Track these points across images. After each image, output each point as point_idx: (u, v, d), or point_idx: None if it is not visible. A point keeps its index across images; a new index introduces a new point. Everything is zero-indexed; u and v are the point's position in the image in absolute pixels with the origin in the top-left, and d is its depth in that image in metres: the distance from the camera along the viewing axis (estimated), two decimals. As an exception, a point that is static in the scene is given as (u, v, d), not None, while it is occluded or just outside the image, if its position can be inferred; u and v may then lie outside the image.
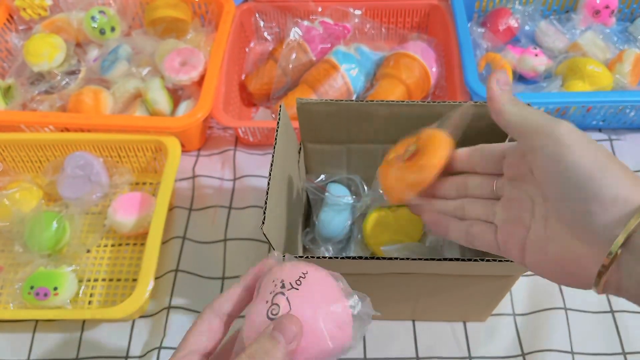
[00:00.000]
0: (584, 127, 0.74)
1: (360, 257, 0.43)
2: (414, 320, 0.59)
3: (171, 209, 0.69)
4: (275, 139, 0.46)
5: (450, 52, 0.77)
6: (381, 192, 0.50)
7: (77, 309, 0.61)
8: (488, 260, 0.42)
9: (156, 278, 0.62)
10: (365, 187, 0.60)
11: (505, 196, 0.36)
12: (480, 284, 0.50)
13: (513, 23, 0.81)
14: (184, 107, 0.73)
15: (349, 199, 0.59)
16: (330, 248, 0.61)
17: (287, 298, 0.30)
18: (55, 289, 0.59)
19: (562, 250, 0.31)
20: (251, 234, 0.66)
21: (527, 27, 0.83)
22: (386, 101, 0.50)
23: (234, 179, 0.72)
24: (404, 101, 0.50)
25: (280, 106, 0.48)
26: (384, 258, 0.44)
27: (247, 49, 0.87)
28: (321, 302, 0.30)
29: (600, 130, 0.74)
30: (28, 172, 0.73)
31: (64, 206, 0.66)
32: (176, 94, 0.77)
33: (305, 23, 0.80)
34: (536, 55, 0.78)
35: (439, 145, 0.40)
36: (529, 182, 0.34)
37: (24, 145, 0.69)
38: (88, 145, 0.69)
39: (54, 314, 0.59)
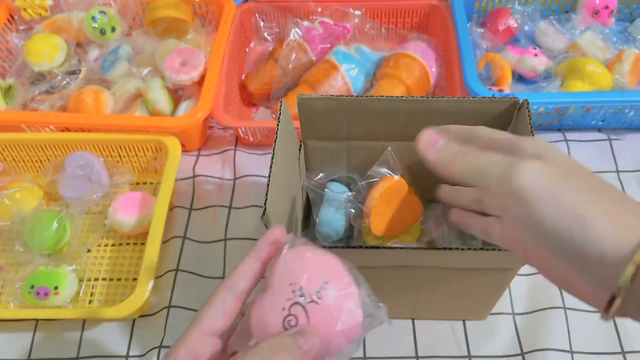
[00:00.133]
0: (584, 127, 0.74)
1: (363, 247, 0.43)
2: (413, 320, 0.60)
3: (171, 208, 0.69)
4: (276, 133, 0.46)
5: (450, 52, 0.77)
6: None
7: (77, 309, 0.61)
8: (487, 250, 0.43)
9: (156, 277, 0.62)
10: (364, 183, 0.60)
11: None
12: (480, 276, 0.50)
13: (512, 23, 0.82)
14: (184, 107, 0.73)
15: (347, 194, 0.59)
16: (330, 247, 0.61)
17: (306, 313, 0.30)
18: (56, 288, 0.59)
19: (564, 277, 0.28)
20: (251, 233, 0.66)
21: (526, 27, 0.84)
22: (386, 96, 0.50)
23: (234, 179, 0.72)
24: (403, 96, 0.50)
25: (281, 101, 0.49)
26: (387, 247, 0.44)
27: (247, 49, 0.87)
28: (338, 322, 0.30)
29: (599, 130, 0.75)
30: (29, 172, 0.73)
31: (64, 206, 0.66)
32: (176, 94, 0.77)
33: (305, 23, 0.80)
34: (536, 55, 0.78)
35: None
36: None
37: (25, 145, 0.69)
38: (88, 145, 0.69)
39: (55, 314, 0.59)
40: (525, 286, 0.61)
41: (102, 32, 0.79)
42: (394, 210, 0.53)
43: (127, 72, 0.77)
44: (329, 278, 0.31)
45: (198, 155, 0.75)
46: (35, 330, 0.60)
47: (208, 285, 0.63)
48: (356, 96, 0.51)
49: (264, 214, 0.40)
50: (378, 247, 0.44)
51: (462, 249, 0.43)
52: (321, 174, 0.61)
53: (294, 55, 0.78)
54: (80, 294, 0.63)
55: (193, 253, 0.65)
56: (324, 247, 0.40)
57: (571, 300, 0.59)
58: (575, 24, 0.82)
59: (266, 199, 0.41)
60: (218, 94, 0.72)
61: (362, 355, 0.57)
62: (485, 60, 0.79)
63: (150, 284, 0.57)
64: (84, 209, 0.68)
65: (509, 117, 0.51)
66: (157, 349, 0.57)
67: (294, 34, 0.78)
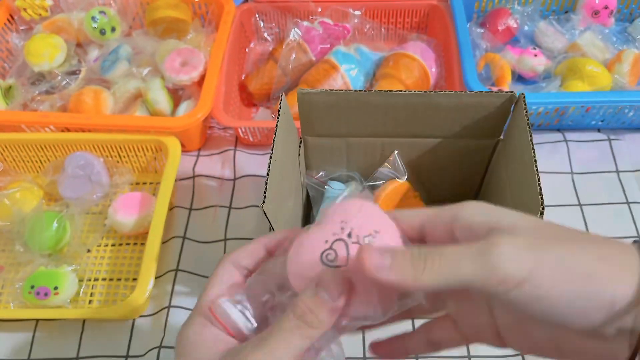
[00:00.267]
0: (583, 127, 0.74)
1: None
2: (413, 320, 0.59)
3: (171, 208, 0.69)
4: (276, 126, 0.46)
5: (449, 53, 0.77)
6: None
7: (77, 309, 0.61)
8: None
9: (156, 277, 0.62)
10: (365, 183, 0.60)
11: None
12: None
13: (512, 23, 0.82)
14: (184, 107, 0.73)
15: (349, 189, 0.59)
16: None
17: (347, 253, 0.28)
18: (56, 288, 0.59)
19: (557, 339, 0.27)
20: (251, 233, 0.66)
21: (526, 28, 0.84)
22: (385, 91, 0.51)
23: (234, 179, 0.72)
24: (402, 91, 0.51)
25: (281, 96, 0.49)
26: None
27: (247, 49, 0.88)
28: None
29: (599, 130, 0.75)
30: (29, 172, 0.73)
31: (64, 206, 0.66)
32: (176, 94, 0.77)
33: (305, 23, 0.80)
34: (535, 55, 0.78)
35: None
36: None
37: (25, 145, 0.69)
38: (88, 145, 0.69)
39: (55, 314, 0.59)
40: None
41: (102, 32, 0.79)
42: None
43: (127, 72, 0.77)
44: (381, 230, 0.29)
45: (198, 155, 0.75)
46: (35, 330, 0.60)
47: (208, 285, 0.62)
48: (356, 90, 0.51)
49: (263, 202, 0.40)
50: None
51: None
52: (322, 172, 0.61)
53: (293, 56, 0.78)
54: (80, 294, 0.63)
55: (193, 253, 0.65)
56: None
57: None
58: (575, 24, 0.82)
59: (266, 187, 0.41)
60: (218, 94, 0.72)
61: (361, 356, 0.57)
62: (485, 61, 0.79)
63: (150, 284, 0.57)
64: (84, 209, 0.68)
65: (506, 111, 0.51)
66: (157, 349, 0.57)
67: (294, 34, 0.78)
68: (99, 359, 0.58)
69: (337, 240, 0.29)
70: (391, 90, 0.51)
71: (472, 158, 0.58)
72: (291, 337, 0.27)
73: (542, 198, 0.41)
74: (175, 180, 0.67)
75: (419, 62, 0.75)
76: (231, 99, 0.77)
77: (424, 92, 0.50)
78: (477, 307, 0.31)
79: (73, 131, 0.71)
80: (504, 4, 0.84)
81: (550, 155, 0.72)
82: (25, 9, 0.83)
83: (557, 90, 0.74)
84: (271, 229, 0.42)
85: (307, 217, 0.63)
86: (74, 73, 0.77)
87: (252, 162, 0.73)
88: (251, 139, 0.74)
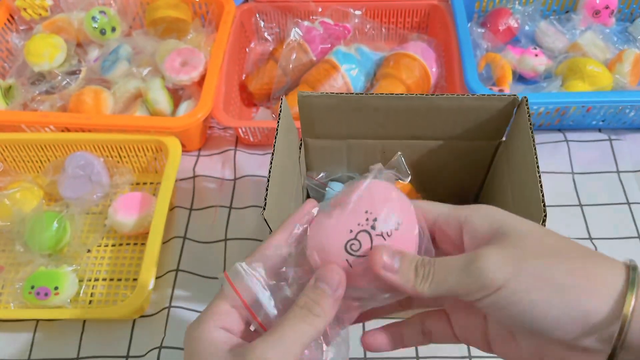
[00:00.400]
0: (584, 127, 0.74)
1: None
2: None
3: (172, 208, 0.69)
4: (277, 129, 0.46)
5: (450, 52, 0.77)
6: None
7: (77, 309, 0.61)
8: None
9: (157, 278, 0.62)
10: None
11: None
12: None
13: (513, 23, 0.82)
14: (184, 107, 0.73)
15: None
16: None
17: (372, 244, 0.30)
18: (56, 288, 0.59)
19: (541, 350, 0.29)
20: (252, 233, 0.66)
21: (527, 27, 0.83)
22: (386, 94, 0.50)
23: (234, 179, 0.72)
24: (403, 94, 0.50)
25: (282, 98, 0.49)
26: None
27: (247, 49, 0.87)
28: None
29: (600, 130, 0.74)
30: (29, 172, 0.73)
31: (64, 206, 0.66)
32: (177, 94, 0.77)
33: (306, 23, 0.80)
34: (536, 55, 0.78)
35: None
36: None
37: (25, 145, 0.69)
38: (89, 145, 0.69)
39: (55, 314, 0.59)
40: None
41: (102, 32, 0.79)
42: None
43: (127, 72, 0.77)
44: (404, 221, 0.31)
45: (198, 156, 0.75)
46: (35, 331, 0.60)
47: (208, 286, 0.62)
48: (357, 93, 0.51)
49: (264, 209, 0.40)
50: None
51: None
52: (322, 174, 0.61)
53: (294, 56, 0.78)
54: (81, 294, 0.63)
55: (193, 253, 0.65)
56: None
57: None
58: (576, 24, 0.82)
59: (266, 194, 0.41)
60: (218, 94, 0.72)
61: (362, 356, 0.57)
62: (486, 60, 0.79)
63: (151, 284, 0.57)
64: (84, 209, 0.68)
65: (508, 114, 0.51)
66: (157, 349, 0.57)
67: (294, 34, 0.78)
68: (99, 359, 0.58)
69: (361, 231, 0.30)
70: (392, 94, 0.50)
71: (473, 159, 0.57)
72: (297, 327, 0.28)
73: (544, 206, 0.41)
74: (176, 181, 0.67)
75: (419, 62, 0.75)
76: (231, 99, 0.77)
77: (426, 95, 0.50)
78: (471, 311, 0.32)
79: (73, 131, 0.71)
80: (504, 4, 0.84)
81: (551, 155, 0.72)
82: (25, 9, 0.82)
83: (558, 90, 0.74)
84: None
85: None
86: (74, 73, 0.77)
87: (253, 162, 0.73)
88: (251, 139, 0.74)
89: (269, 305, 0.30)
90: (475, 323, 0.32)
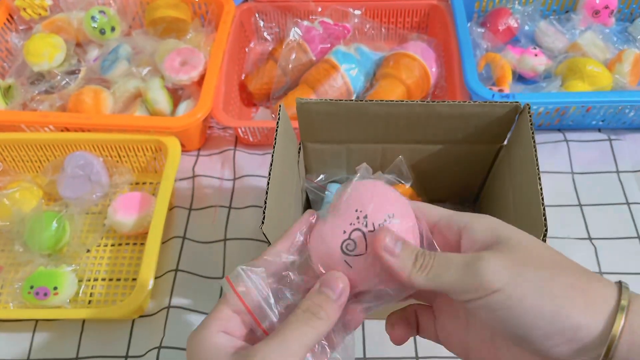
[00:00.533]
0: (584, 127, 0.74)
1: None
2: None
3: (171, 208, 0.69)
4: (275, 138, 0.46)
5: (450, 52, 0.77)
6: None
7: (77, 309, 0.61)
8: None
9: (156, 278, 0.62)
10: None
11: None
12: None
13: (513, 23, 0.81)
14: (184, 107, 0.73)
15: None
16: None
17: (365, 242, 0.31)
18: (55, 288, 0.59)
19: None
20: (251, 233, 0.66)
21: (526, 27, 0.83)
22: (385, 101, 0.50)
23: (234, 179, 0.72)
24: (403, 101, 0.50)
25: (280, 106, 0.48)
26: None
27: (247, 49, 0.87)
28: None
29: (599, 130, 0.74)
30: (28, 171, 0.73)
31: (64, 206, 0.66)
32: (176, 94, 0.77)
33: (305, 23, 0.80)
34: (536, 55, 0.78)
35: None
36: None
37: (24, 145, 0.69)
38: (88, 145, 0.69)
39: (54, 314, 0.59)
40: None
41: (102, 31, 0.79)
42: None
43: (127, 72, 0.77)
44: (395, 213, 0.31)
45: (198, 155, 0.75)
46: (34, 331, 0.60)
47: (208, 286, 0.62)
48: (356, 100, 0.50)
49: (263, 222, 0.40)
50: None
51: None
52: (322, 176, 0.60)
53: (293, 55, 0.78)
54: (80, 294, 0.63)
55: (193, 253, 0.65)
56: None
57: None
58: (576, 23, 0.82)
59: (265, 207, 0.41)
60: (218, 94, 0.72)
61: (362, 356, 0.57)
62: (486, 60, 0.79)
63: (150, 284, 0.57)
64: (84, 209, 0.68)
65: (510, 120, 0.51)
66: (156, 349, 0.57)
67: (294, 33, 0.78)
68: (99, 359, 0.58)
69: (354, 230, 0.31)
70: (392, 101, 0.50)
71: (473, 163, 0.57)
72: (301, 330, 0.28)
73: (545, 220, 0.41)
74: (175, 180, 0.67)
75: (419, 62, 0.75)
76: (231, 99, 0.77)
77: (426, 102, 0.50)
78: (455, 316, 0.33)
79: (73, 131, 0.71)
80: (504, 4, 0.84)
81: (551, 155, 0.72)
82: (24, 9, 0.82)
83: (558, 90, 0.74)
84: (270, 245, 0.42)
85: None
86: (73, 73, 0.77)
87: (252, 162, 0.73)
88: (251, 138, 0.74)
89: (271, 309, 0.30)
90: (457, 329, 0.33)
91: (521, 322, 0.27)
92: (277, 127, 0.46)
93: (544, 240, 0.41)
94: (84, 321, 0.61)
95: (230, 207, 0.69)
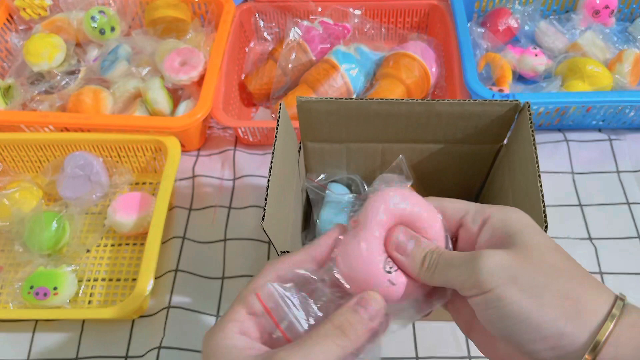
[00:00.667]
0: (584, 127, 0.74)
1: None
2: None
3: (171, 208, 0.69)
4: (275, 137, 0.46)
5: (450, 52, 0.77)
6: None
7: (76, 309, 0.61)
8: None
9: (156, 278, 0.61)
10: (366, 186, 0.60)
11: None
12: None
13: (513, 23, 0.81)
14: (183, 107, 0.73)
15: (349, 196, 0.59)
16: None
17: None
18: (55, 288, 0.59)
19: (514, 358, 0.30)
20: (251, 233, 0.66)
21: (526, 27, 0.83)
22: (385, 99, 0.50)
23: (234, 179, 0.72)
24: (403, 99, 0.50)
25: (280, 104, 0.48)
26: None
27: (247, 49, 0.87)
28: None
29: (600, 130, 0.74)
30: (28, 172, 0.73)
31: (63, 206, 0.66)
32: (176, 94, 0.77)
33: (305, 23, 0.80)
34: (536, 55, 0.78)
35: None
36: None
37: (24, 145, 0.69)
38: (88, 145, 0.69)
39: (54, 314, 0.59)
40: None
41: (102, 32, 0.79)
42: None
43: (127, 72, 0.77)
44: (427, 226, 0.32)
45: (198, 156, 0.75)
46: (34, 331, 0.60)
47: (208, 286, 0.62)
48: (356, 99, 0.50)
49: (263, 219, 0.40)
50: None
51: None
52: (322, 175, 0.60)
53: (293, 55, 0.78)
54: (80, 295, 0.63)
55: (193, 253, 0.65)
56: None
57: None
58: (576, 23, 0.82)
59: (265, 204, 0.41)
60: (218, 94, 0.72)
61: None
62: (486, 60, 0.79)
63: (150, 284, 0.57)
64: (84, 209, 0.68)
65: (510, 119, 0.51)
66: (156, 350, 0.57)
67: (294, 33, 0.78)
68: (99, 359, 0.58)
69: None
70: (392, 99, 0.50)
71: (473, 163, 0.57)
72: (328, 345, 0.28)
73: (545, 218, 0.41)
74: (175, 180, 0.66)
75: (419, 62, 0.75)
76: (231, 99, 0.77)
77: (426, 100, 0.49)
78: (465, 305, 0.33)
79: (72, 131, 0.71)
80: (504, 4, 0.84)
81: (551, 155, 0.72)
82: (24, 9, 0.82)
83: (558, 90, 0.74)
84: (270, 243, 0.42)
85: (307, 220, 0.63)
86: (73, 73, 0.77)
87: (252, 162, 0.73)
88: (251, 139, 0.74)
89: (292, 314, 0.30)
90: (465, 306, 0.33)
91: (507, 324, 0.27)
92: (278, 125, 0.46)
93: None
94: (83, 321, 0.60)
95: (230, 207, 0.69)
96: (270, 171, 0.43)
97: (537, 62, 0.77)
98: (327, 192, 0.58)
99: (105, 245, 0.67)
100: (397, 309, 0.31)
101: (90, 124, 0.69)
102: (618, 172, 0.70)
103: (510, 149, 0.52)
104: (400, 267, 0.30)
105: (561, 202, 0.68)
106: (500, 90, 0.74)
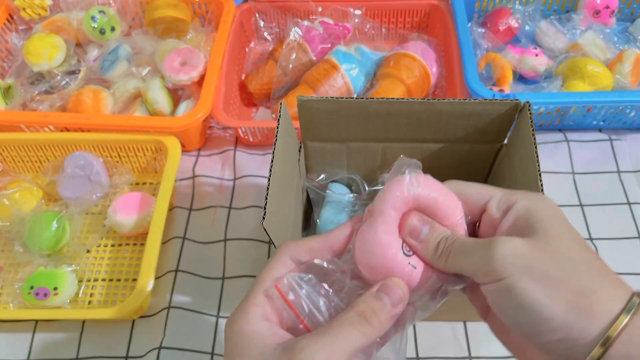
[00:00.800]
0: (585, 127, 0.74)
1: None
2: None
3: (171, 209, 0.69)
4: (276, 136, 0.46)
5: (450, 52, 0.77)
6: None
7: (77, 309, 0.61)
8: None
9: (156, 278, 0.61)
10: (366, 186, 0.60)
11: None
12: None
13: (513, 23, 0.81)
14: (184, 107, 0.73)
15: (350, 196, 0.59)
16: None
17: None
18: (55, 289, 0.59)
19: (525, 347, 0.30)
20: (251, 234, 0.66)
21: (527, 27, 0.83)
22: (386, 98, 0.50)
23: (234, 179, 0.72)
24: (403, 98, 0.50)
25: (280, 104, 0.48)
26: None
27: (247, 49, 0.87)
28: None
29: (600, 130, 0.74)
30: (28, 172, 0.73)
31: (64, 206, 0.66)
32: (176, 94, 0.77)
33: (306, 23, 0.80)
34: (536, 55, 0.78)
35: None
36: None
37: (24, 145, 0.69)
38: (88, 145, 0.69)
39: (54, 314, 0.59)
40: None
41: (102, 31, 0.79)
42: None
43: (127, 72, 0.77)
44: (449, 214, 0.31)
45: (198, 156, 0.75)
46: (34, 331, 0.60)
47: (208, 286, 0.62)
48: (356, 98, 0.50)
49: (264, 218, 0.40)
50: None
51: None
52: (322, 175, 0.60)
53: (294, 55, 0.78)
54: (80, 295, 0.63)
55: (193, 253, 0.65)
56: None
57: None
58: (576, 23, 0.82)
59: (266, 203, 0.41)
60: (218, 94, 0.72)
61: (362, 356, 0.57)
62: (486, 60, 0.79)
63: (150, 284, 0.57)
64: (84, 209, 0.68)
65: (510, 118, 0.51)
66: (156, 350, 0.57)
67: (294, 33, 0.78)
68: (99, 359, 0.58)
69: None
70: (393, 99, 0.50)
71: (474, 162, 0.57)
72: (350, 333, 0.28)
73: None
74: (175, 181, 0.66)
75: (419, 62, 0.75)
76: (231, 99, 0.77)
77: (427, 100, 0.49)
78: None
79: (72, 131, 0.71)
80: (505, 4, 0.84)
81: (552, 155, 0.72)
82: (24, 9, 0.82)
83: (559, 90, 0.74)
84: (271, 243, 0.42)
85: (308, 220, 0.63)
86: (73, 73, 0.77)
87: (252, 162, 0.73)
88: (251, 139, 0.73)
89: (313, 306, 0.29)
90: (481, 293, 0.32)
91: (518, 314, 0.27)
92: (278, 124, 0.46)
93: None
94: (84, 321, 0.60)
95: (230, 208, 0.69)
96: (270, 170, 0.43)
97: (537, 62, 0.77)
98: (327, 191, 0.58)
99: (106, 246, 0.67)
100: (416, 298, 0.31)
101: (90, 124, 0.69)
102: (619, 172, 0.70)
103: (511, 149, 0.52)
104: (415, 253, 0.30)
105: (562, 202, 0.68)
106: (501, 91, 0.74)
